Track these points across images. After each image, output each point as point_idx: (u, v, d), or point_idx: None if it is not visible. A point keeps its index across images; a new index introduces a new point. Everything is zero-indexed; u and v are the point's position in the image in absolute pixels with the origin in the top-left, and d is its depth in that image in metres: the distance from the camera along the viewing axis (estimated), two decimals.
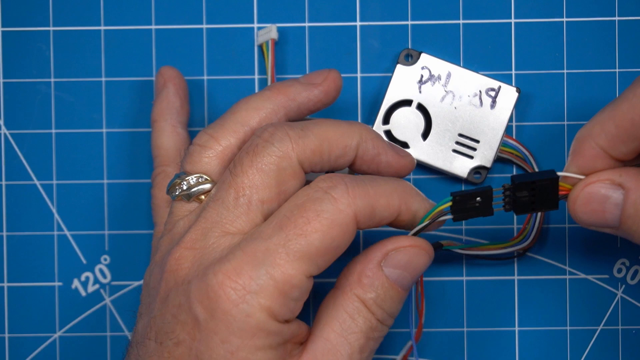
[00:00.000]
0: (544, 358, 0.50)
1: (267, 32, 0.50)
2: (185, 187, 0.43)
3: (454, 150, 0.49)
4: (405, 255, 0.42)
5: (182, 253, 0.40)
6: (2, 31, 0.51)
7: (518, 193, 0.42)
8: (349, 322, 0.41)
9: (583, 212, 0.41)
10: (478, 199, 0.42)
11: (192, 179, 0.43)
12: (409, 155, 0.44)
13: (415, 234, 0.43)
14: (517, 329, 0.50)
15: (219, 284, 0.38)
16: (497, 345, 0.50)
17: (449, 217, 0.42)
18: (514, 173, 0.50)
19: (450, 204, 0.42)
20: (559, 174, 0.42)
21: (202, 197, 0.43)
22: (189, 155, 0.43)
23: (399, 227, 0.43)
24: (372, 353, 0.42)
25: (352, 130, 0.42)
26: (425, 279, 0.50)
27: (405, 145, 0.50)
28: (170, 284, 0.40)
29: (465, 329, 0.50)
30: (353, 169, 0.43)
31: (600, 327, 0.50)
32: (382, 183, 0.41)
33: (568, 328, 0.50)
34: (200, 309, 0.39)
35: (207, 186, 0.43)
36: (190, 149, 0.44)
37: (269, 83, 0.49)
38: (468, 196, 0.42)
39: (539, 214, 0.49)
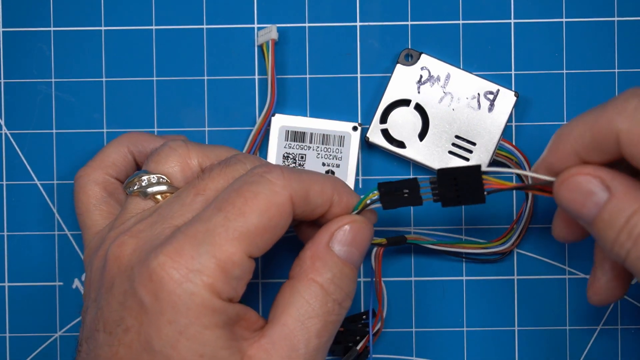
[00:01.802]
0: (543, 357, 0.50)
1: (268, 33, 0.50)
2: (144, 184, 0.43)
3: (450, 152, 0.49)
4: (350, 232, 0.43)
5: (124, 240, 0.41)
6: (3, 31, 0.51)
7: (443, 188, 0.42)
8: (305, 306, 0.41)
9: (564, 197, 0.40)
10: (406, 190, 0.43)
11: (153, 177, 0.43)
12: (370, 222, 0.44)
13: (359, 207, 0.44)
14: (516, 328, 0.50)
15: (160, 266, 0.39)
16: (497, 345, 0.50)
17: (379, 205, 0.43)
18: (513, 176, 0.50)
19: (377, 193, 0.43)
20: (528, 173, 0.42)
21: (159, 197, 0.43)
22: (157, 154, 0.44)
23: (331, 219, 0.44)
24: (331, 339, 0.42)
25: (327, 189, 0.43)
26: (425, 278, 0.50)
27: (402, 144, 0.50)
28: (113, 271, 0.41)
29: (465, 329, 0.50)
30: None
31: (600, 326, 0.50)
32: (316, 174, 0.43)
33: (568, 328, 0.50)
34: (145, 292, 0.39)
35: (164, 187, 0.43)
36: (160, 149, 0.44)
37: (269, 83, 0.50)
38: (394, 187, 0.43)
39: (525, 217, 0.49)
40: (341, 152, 0.50)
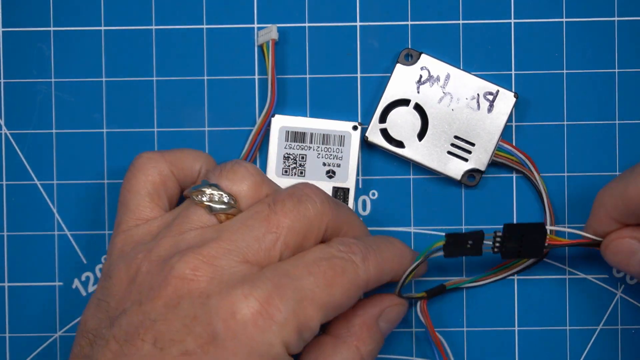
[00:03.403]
0: (543, 358, 0.50)
1: (268, 33, 0.50)
2: (216, 199, 0.43)
3: (449, 152, 0.49)
4: (396, 313, 0.47)
5: (199, 265, 0.41)
6: (3, 31, 0.51)
7: (507, 242, 0.46)
8: None
9: (611, 259, 0.46)
10: (470, 241, 0.46)
11: (224, 196, 0.43)
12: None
13: (403, 282, 0.46)
14: (516, 328, 0.50)
15: (249, 309, 0.40)
16: (497, 345, 0.50)
17: (441, 253, 0.46)
18: (513, 176, 0.50)
19: (443, 242, 0.46)
20: (581, 233, 0.46)
21: (222, 216, 0.43)
22: (232, 171, 0.44)
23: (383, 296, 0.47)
24: None
25: (363, 228, 0.47)
26: (425, 279, 0.50)
27: (401, 144, 0.50)
28: (181, 291, 0.40)
29: (465, 329, 0.50)
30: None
31: (600, 327, 0.50)
32: (386, 250, 0.45)
33: (568, 328, 0.50)
34: (223, 328, 0.39)
35: (233, 210, 0.43)
36: (234, 167, 0.44)
37: (270, 83, 0.50)
38: (460, 238, 0.45)
39: (548, 221, 0.49)
40: (342, 152, 0.50)
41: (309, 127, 0.50)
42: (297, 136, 0.50)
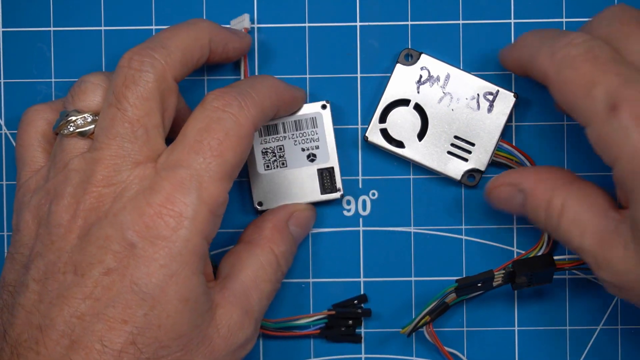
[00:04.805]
0: (543, 358, 0.50)
1: (240, 22, 0.50)
2: (80, 123, 0.44)
3: (449, 152, 0.49)
4: (305, 217, 0.49)
5: (101, 191, 0.42)
6: (3, 31, 0.51)
7: (517, 278, 0.47)
8: (261, 270, 0.46)
9: (495, 205, 0.47)
10: (479, 285, 0.48)
11: (87, 116, 0.44)
12: (247, 35, 0.49)
13: (415, 325, 0.48)
14: (516, 328, 0.50)
15: (156, 214, 0.41)
16: (497, 345, 0.50)
17: (453, 295, 0.48)
18: None
19: (454, 287, 0.48)
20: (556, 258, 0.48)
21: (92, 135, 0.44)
22: (82, 92, 0.45)
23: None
24: (270, 302, 0.46)
25: (202, 30, 0.46)
26: (423, 278, 0.50)
27: (400, 144, 0.50)
28: (91, 219, 0.42)
29: (465, 329, 0.50)
30: (207, 62, 0.46)
31: (600, 326, 0.50)
32: (260, 86, 0.45)
33: (567, 328, 0.50)
34: (137, 238, 0.41)
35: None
36: (83, 86, 0.45)
37: (242, 77, 0.50)
38: (470, 282, 0.48)
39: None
40: (317, 134, 0.50)
41: (280, 117, 0.50)
42: (270, 129, 0.50)
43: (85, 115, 0.44)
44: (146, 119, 0.43)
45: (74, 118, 0.44)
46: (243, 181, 0.51)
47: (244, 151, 0.43)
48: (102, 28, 0.51)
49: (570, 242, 0.43)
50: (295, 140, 0.50)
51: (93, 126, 0.44)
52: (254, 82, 0.46)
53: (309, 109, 0.50)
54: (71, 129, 0.44)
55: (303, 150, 0.50)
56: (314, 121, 0.50)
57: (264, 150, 0.50)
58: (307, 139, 0.50)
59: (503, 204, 0.47)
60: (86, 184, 0.42)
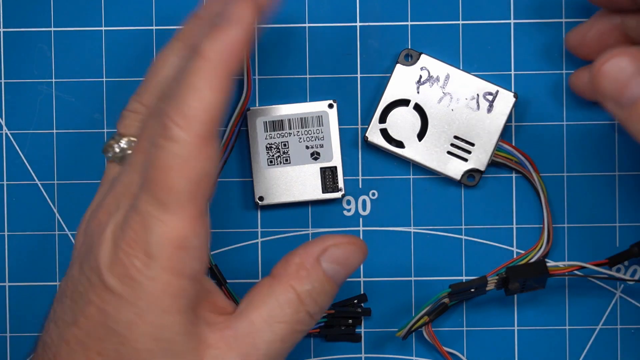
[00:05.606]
0: (543, 357, 0.50)
1: None
2: (117, 150, 0.43)
3: (449, 152, 0.49)
4: (343, 252, 0.42)
5: (101, 219, 0.41)
6: (3, 32, 0.51)
7: (510, 284, 0.47)
8: (277, 310, 0.41)
9: (606, 86, 0.38)
10: (473, 289, 0.48)
11: (123, 142, 0.43)
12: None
13: (410, 329, 0.48)
14: (516, 328, 0.50)
15: (124, 254, 0.39)
16: (496, 345, 0.50)
17: (446, 300, 0.48)
18: (512, 176, 0.50)
19: (447, 293, 0.47)
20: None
21: None
22: (122, 118, 0.44)
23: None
24: (294, 345, 0.42)
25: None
26: (423, 278, 0.50)
27: (400, 144, 0.50)
28: (88, 246, 0.41)
29: (464, 329, 0.50)
30: None
31: (599, 326, 0.50)
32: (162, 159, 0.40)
33: (567, 327, 0.50)
34: (109, 276, 0.39)
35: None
36: (123, 114, 0.44)
37: (245, 77, 0.50)
38: (463, 288, 0.47)
39: (546, 221, 0.49)
40: (322, 132, 0.50)
41: (286, 114, 0.50)
42: (276, 125, 0.50)
43: (121, 140, 0.44)
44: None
45: (112, 143, 0.44)
46: (245, 178, 0.51)
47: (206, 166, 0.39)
48: (103, 28, 0.51)
49: None
50: (300, 138, 0.50)
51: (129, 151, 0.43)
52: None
53: (316, 107, 0.50)
54: (110, 155, 0.44)
55: (307, 147, 0.50)
56: (319, 119, 0.50)
57: (268, 146, 0.50)
58: (312, 137, 0.50)
59: (619, 80, 0.37)
60: (94, 211, 0.42)
